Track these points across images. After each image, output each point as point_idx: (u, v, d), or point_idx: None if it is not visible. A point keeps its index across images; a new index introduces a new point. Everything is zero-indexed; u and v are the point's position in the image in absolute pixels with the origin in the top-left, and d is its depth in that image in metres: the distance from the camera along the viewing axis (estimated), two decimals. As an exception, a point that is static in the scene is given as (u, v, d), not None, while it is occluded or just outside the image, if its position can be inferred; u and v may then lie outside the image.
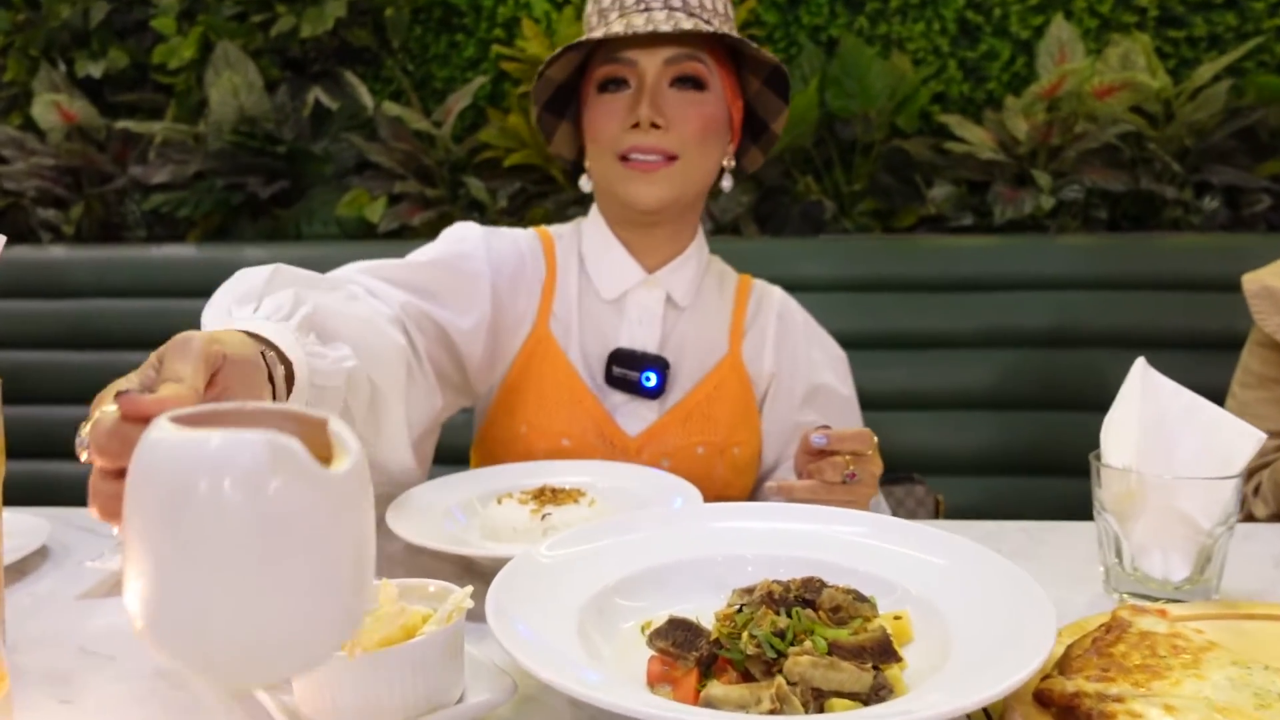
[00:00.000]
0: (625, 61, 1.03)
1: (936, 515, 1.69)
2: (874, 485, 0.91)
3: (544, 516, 0.82)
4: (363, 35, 2.13)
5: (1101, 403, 1.73)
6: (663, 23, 0.99)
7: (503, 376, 1.12)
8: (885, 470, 1.20)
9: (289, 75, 2.17)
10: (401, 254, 1.13)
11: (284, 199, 2.15)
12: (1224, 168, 1.95)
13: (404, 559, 0.85)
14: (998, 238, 1.89)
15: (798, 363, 1.15)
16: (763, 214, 2.06)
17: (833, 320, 1.77)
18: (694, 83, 1.04)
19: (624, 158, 1.03)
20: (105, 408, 0.49)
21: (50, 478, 1.93)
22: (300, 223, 2.11)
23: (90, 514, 0.49)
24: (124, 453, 0.44)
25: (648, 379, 1.07)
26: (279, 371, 0.66)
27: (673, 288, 1.12)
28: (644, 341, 1.10)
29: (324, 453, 0.43)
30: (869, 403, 1.23)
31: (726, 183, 1.12)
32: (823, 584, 0.64)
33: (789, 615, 0.61)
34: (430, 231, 2.08)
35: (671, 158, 1.03)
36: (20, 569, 0.86)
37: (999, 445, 1.76)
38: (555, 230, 1.17)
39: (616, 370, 1.08)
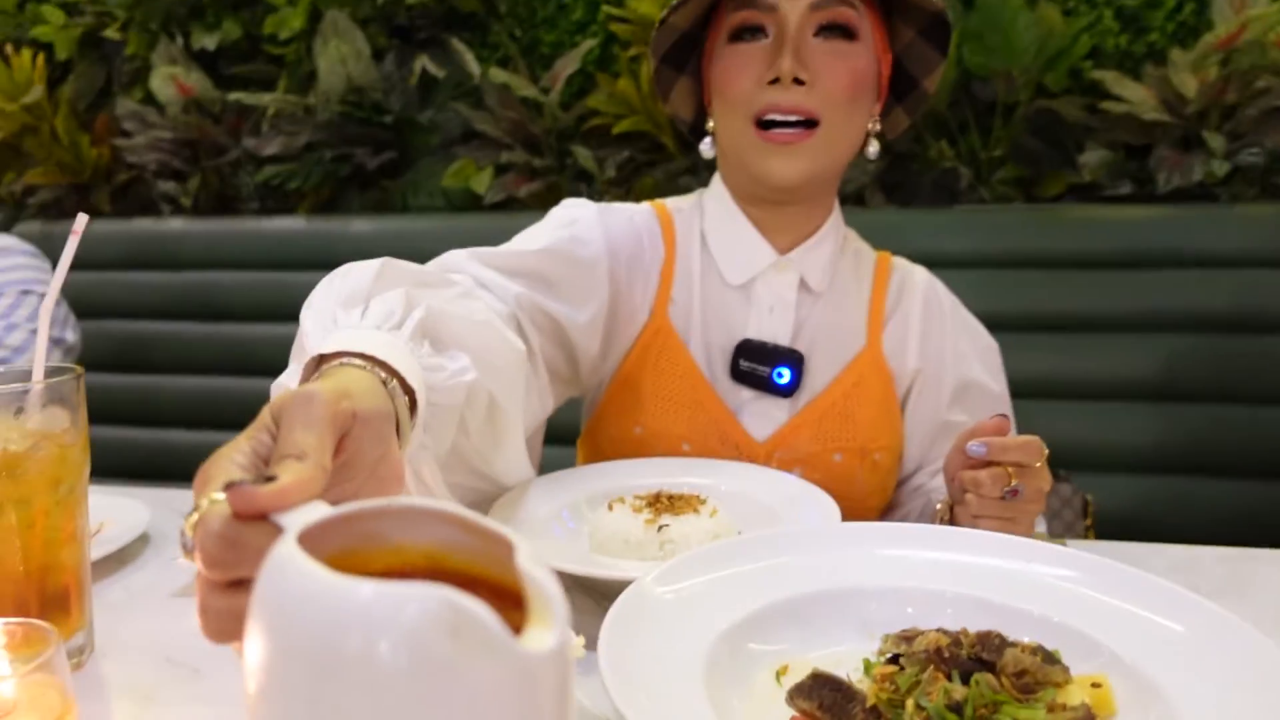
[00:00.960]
0: (763, 6, 0.91)
1: (1084, 517, 1.53)
2: (1040, 502, 0.78)
3: (660, 529, 0.73)
4: (469, 0, 2.06)
5: None
6: None
7: (615, 370, 1.02)
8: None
9: (396, 43, 2.12)
10: (508, 226, 1.05)
11: (391, 170, 2.11)
12: None
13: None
14: (1161, 208, 1.68)
15: (945, 356, 1.02)
16: (890, 182, 1.90)
17: (969, 300, 1.61)
18: (843, 31, 0.91)
19: (759, 124, 0.91)
20: (213, 496, 0.39)
21: (166, 446, 1.97)
22: (407, 194, 2.08)
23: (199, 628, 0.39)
24: (239, 561, 0.37)
25: (780, 375, 0.96)
26: (402, 403, 0.57)
27: (807, 271, 1.00)
28: (774, 332, 0.99)
29: (508, 592, 0.33)
30: (1011, 391, 1.09)
31: (872, 149, 0.98)
32: (1003, 641, 0.52)
33: (964, 681, 0.50)
34: (537, 203, 2.01)
35: (812, 123, 0.91)
36: (119, 558, 0.83)
37: (1159, 441, 1.57)
38: (673, 205, 1.06)
39: (744, 364, 0.97)
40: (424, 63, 2.05)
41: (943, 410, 1.01)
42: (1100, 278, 1.62)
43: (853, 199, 1.87)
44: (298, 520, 0.36)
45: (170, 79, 2.10)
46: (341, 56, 2.00)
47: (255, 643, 0.32)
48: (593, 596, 0.71)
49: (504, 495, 0.83)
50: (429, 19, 2.09)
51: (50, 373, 0.62)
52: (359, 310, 0.64)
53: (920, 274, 1.07)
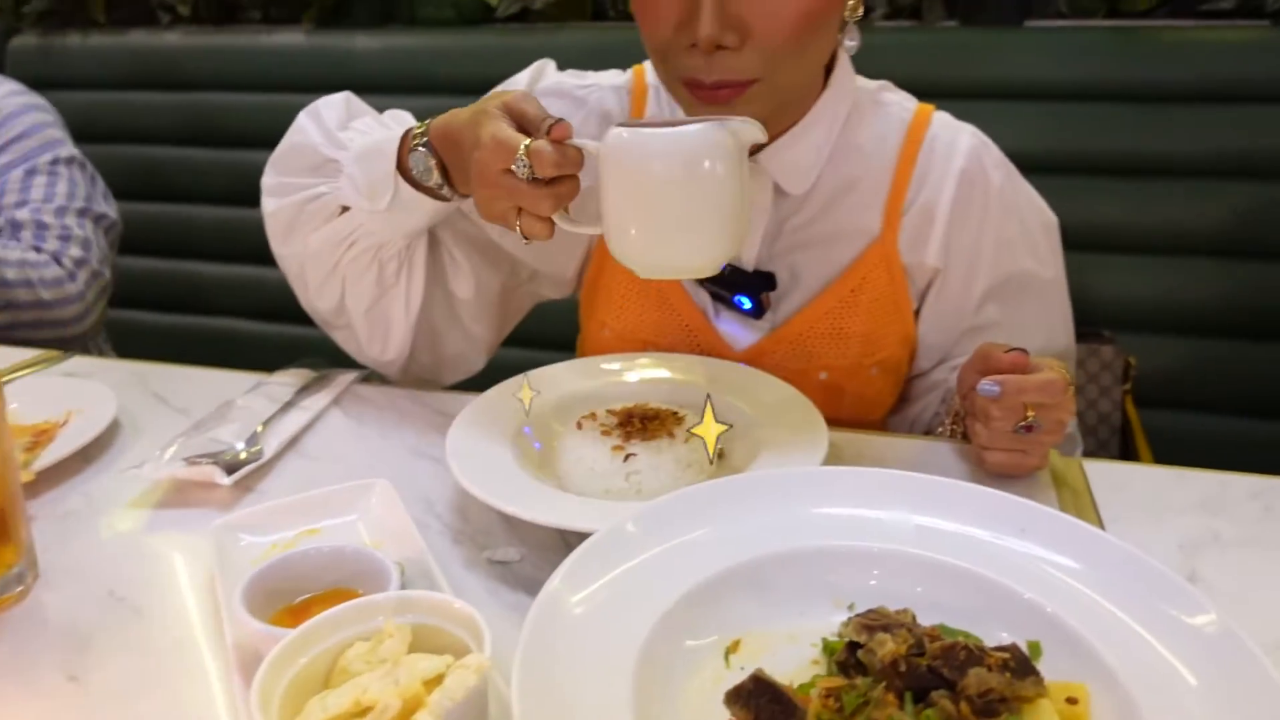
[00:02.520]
0: None
1: (1124, 381, 1.43)
2: (1059, 434, 0.70)
3: (627, 458, 0.68)
4: None
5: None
6: None
7: (585, 266, 0.94)
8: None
9: None
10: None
11: (398, -26, 1.91)
12: None
13: (460, 498, 0.72)
14: (1267, 28, 1.45)
15: (981, 250, 0.87)
16: (954, -8, 1.66)
17: (1034, 137, 1.45)
18: None
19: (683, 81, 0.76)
20: (530, 143, 0.65)
21: (174, 275, 1.94)
22: (415, 3, 1.89)
23: (535, 213, 0.68)
24: (564, 163, 0.65)
25: (741, 303, 0.85)
26: None
27: (781, 174, 0.85)
28: (742, 249, 0.86)
29: None
30: (1066, 241, 0.95)
31: (851, 42, 0.80)
32: (969, 654, 0.46)
33: (918, 699, 0.45)
34: (556, 14, 1.81)
35: (752, 80, 0.73)
36: (84, 456, 0.80)
37: (1218, 301, 1.43)
38: (655, 74, 0.90)
39: (707, 285, 0.87)
40: None
41: (969, 313, 0.89)
42: (1182, 113, 1.42)
43: (908, 12, 1.64)
44: (589, 139, 0.68)
45: None
46: None
47: (614, 180, 0.67)
48: (556, 530, 0.67)
49: (471, 403, 0.78)
50: None
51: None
52: (364, 120, 0.87)
53: (964, 143, 0.88)
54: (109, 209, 1.49)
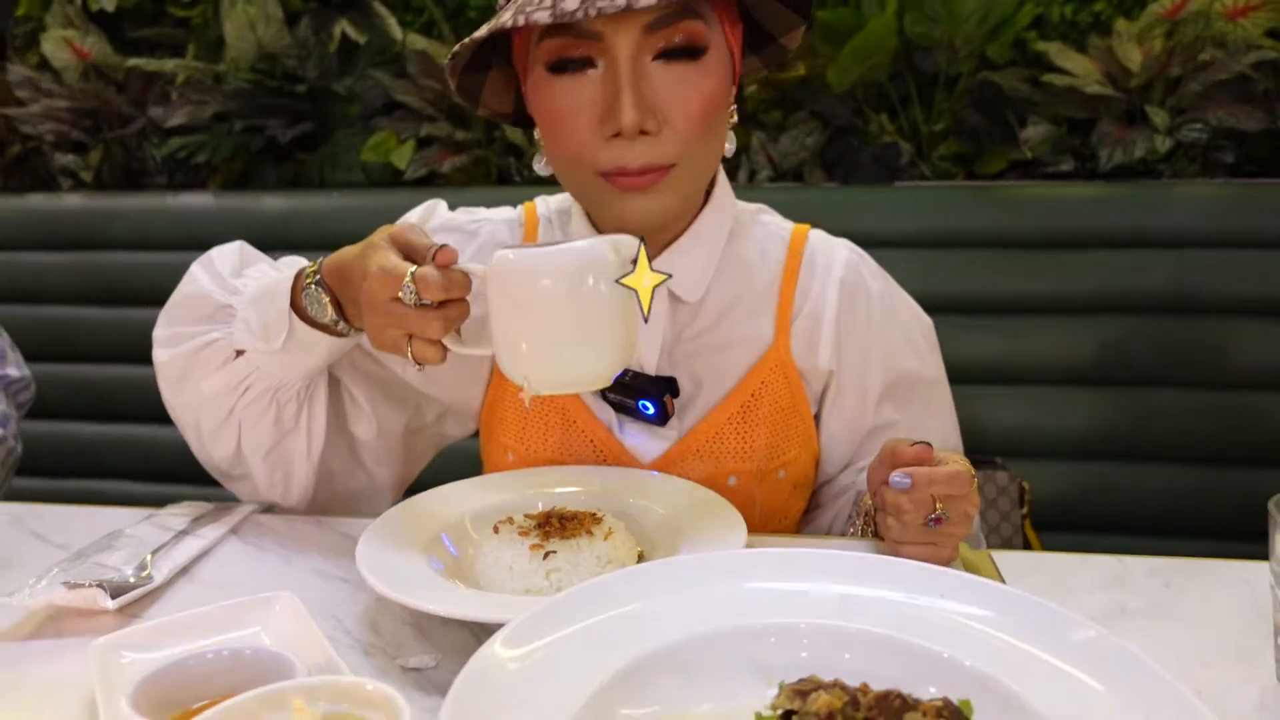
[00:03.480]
0: (584, 34, 0.74)
1: (1020, 505, 1.50)
2: (967, 526, 0.72)
3: (546, 555, 0.66)
4: (390, -40, 1.94)
5: (1221, 379, 1.53)
6: None
7: (484, 393, 0.94)
8: (965, 452, 1.00)
9: (312, 5, 1.99)
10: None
11: (307, 142, 1.99)
12: (1381, 102, 1.65)
13: (371, 613, 0.70)
14: (1102, 186, 1.64)
15: (870, 355, 0.91)
16: (830, 158, 1.83)
17: (907, 282, 1.56)
18: (689, 51, 0.76)
19: (605, 174, 0.79)
20: (412, 270, 0.67)
21: (75, 438, 1.85)
22: (324, 168, 1.96)
23: (424, 337, 0.68)
24: (450, 287, 0.66)
25: (645, 408, 0.86)
26: None
27: (674, 281, 0.87)
28: (641, 355, 0.88)
29: None
30: (949, 376, 1.01)
31: (729, 146, 0.86)
32: (904, 703, 0.46)
33: (857, 752, 0.44)
34: (462, 178, 1.91)
35: (672, 165, 0.78)
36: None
37: (1099, 426, 1.54)
38: (545, 210, 0.95)
39: (609, 395, 0.88)
40: (344, 27, 1.93)
41: (869, 415, 0.92)
42: (1038, 259, 1.57)
43: (791, 175, 1.80)
44: (476, 263, 0.69)
45: (63, 42, 1.95)
46: (249, 20, 1.87)
47: (501, 301, 0.67)
48: (469, 629, 0.64)
49: (390, 510, 0.75)
50: (346, -20, 1.96)
51: None
52: (260, 266, 0.88)
53: (840, 254, 0.93)
54: (18, 370, 1.35)
